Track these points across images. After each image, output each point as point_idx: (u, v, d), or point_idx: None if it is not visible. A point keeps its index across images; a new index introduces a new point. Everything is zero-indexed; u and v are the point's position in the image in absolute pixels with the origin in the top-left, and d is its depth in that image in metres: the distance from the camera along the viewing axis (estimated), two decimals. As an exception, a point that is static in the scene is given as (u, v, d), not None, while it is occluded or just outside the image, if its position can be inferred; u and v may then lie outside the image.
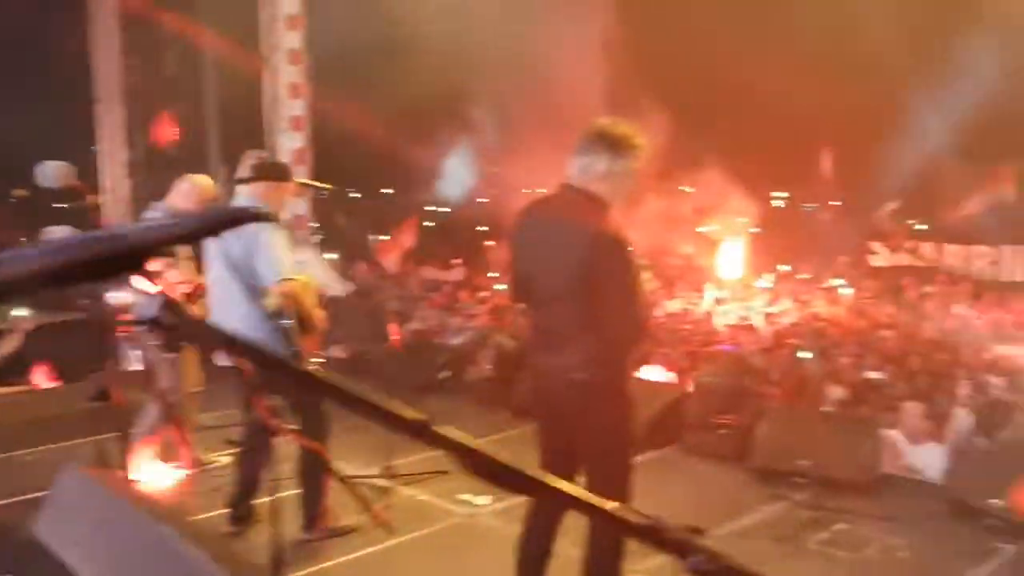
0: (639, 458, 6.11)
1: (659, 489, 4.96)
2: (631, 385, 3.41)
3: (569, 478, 3.29)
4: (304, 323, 4.50)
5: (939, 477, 5.75)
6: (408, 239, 13.77)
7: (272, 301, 4.33)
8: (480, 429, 6.98)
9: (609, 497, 3.23)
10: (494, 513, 5.19)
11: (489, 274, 13.63)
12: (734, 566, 0.89)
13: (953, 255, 12.38)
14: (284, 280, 4.32)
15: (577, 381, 3.27)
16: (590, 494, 0.94)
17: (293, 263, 4.52)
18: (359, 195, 20.83)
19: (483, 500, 5.34)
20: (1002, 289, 11.74)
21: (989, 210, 12.33)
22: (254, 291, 4.38)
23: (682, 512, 4.91)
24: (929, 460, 5.95)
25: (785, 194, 18.26)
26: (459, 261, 14.72)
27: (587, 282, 3.19)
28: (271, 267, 4.32)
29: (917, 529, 4.99)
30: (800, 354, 8.78)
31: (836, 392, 6.43)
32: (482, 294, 12.65)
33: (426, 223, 17.78)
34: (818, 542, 4.82)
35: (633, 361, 3.50)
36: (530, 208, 3.55)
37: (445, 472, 5.86)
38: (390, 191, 21.76)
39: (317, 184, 6.37)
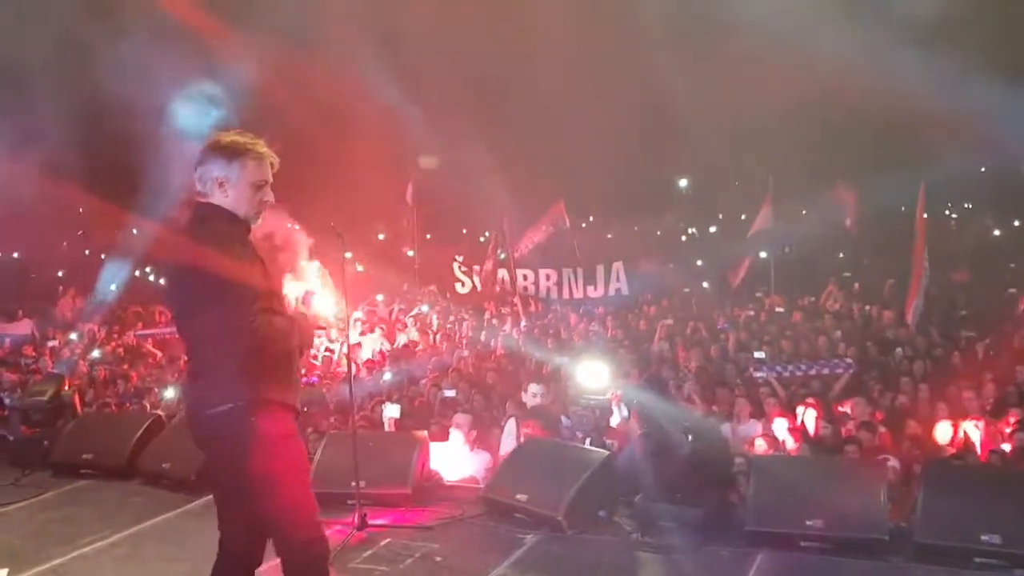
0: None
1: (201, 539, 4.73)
2: (267, 418, 2.96)
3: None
4: None
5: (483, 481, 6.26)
6: None
7: None
8: (18, 492, 6.24)
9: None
10: (11, 587, 4.67)
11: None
12: None
13: (524, 278, 13.68)
14: None
15: (205, 416, 2.99)
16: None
17: None
18: None
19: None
20: (562, 304, 13.31)
21: (549, 240, 13.86)
22: None
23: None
24: (476, 466, 6.46)
25: (382, 235, 18.95)
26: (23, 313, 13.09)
27: (182, 308, 3.07)
28: None
29: (457, 533, 5.35)
30: (385, 378, 9.11)
31: (392, 410, 6.71)
32: (52, 344, 11.45)
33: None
34: (363, 560, 4.95)
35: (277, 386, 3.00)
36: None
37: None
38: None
39: None
